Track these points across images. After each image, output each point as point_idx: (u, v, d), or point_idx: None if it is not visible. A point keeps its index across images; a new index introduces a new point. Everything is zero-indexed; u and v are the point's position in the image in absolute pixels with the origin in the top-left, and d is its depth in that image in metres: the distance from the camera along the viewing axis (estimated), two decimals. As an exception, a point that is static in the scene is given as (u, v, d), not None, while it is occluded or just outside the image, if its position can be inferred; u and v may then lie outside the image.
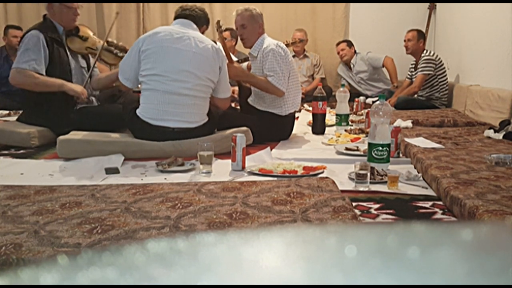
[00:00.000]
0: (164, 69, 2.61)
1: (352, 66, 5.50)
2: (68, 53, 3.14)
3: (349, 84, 5.59)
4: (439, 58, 4.62)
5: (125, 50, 3.20)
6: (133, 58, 2.69)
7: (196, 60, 2.66)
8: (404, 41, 4.83)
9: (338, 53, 5.54)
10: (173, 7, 5.71)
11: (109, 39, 3.34)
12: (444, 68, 4.63)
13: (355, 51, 5.52)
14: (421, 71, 4.58)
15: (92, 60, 3.31)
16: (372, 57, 5.45)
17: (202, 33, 2.85)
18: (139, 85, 2.78)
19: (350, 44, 5.49)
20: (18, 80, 2.97)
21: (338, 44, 5.59)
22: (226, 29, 5.13)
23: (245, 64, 3.36)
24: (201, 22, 2.83)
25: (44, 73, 2.96)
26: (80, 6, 3.16)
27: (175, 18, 2.82)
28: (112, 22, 3.58)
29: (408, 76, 4.95)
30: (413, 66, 4.88)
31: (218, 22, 3.05)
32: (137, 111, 2.67)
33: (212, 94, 2.81)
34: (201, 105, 2.72)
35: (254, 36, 3.07)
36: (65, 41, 3.14)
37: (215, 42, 4.04)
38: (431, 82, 4.62)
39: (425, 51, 4.68)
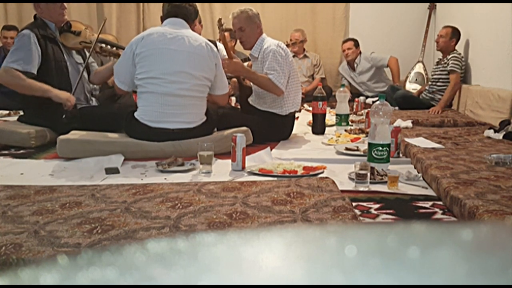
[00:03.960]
0: (161, 72, 2.59)
1: (355, 65, 5.47)
2: (63, 49, 3.12)
3: (349, 84, 5.58)
4: (465, 61, 4.47)
5: (122, 47, 3.14)
6: (127, 61, 2.66)
7: (192, 60, 2.64)
8: (437, 36, 4.64)
9: (344, 51, 5.48)
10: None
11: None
12: (464, 74, 4.47)
13: (359, 52, 5.48)
14: (453, 70, 4.36)
15: (87, 56, 3.26)
16: (376, 57, 5.40)
17: (194, 28, 2.81)
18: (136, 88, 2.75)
19: (357, 44, 5.43)
20: (5, 79, 2.96)
21: (345, 42, 5.52)
22: (226, 30, 5.13)
23: (245, 64, 3.36)
24: (192, 17, 2.78)
25: (35, 72, 2.93)
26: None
27: (165, 16, 2.75)
28: (100, 28, 3.27)
29: (432, 73, 4.79)
30: (437, 62, 4.71)
31: (220, 20, 3.04)
32: (135, 114, 2.66)
33: (210, 92, 2.79)
34: (199, 105, 2.71)
35: (253, 37, 3.07)
36: (58, 37, 3.13)
37: (215, 42, 4.04)
38: (446, 84, 4.46)
39: (455, 51, 4.51)
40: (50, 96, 2.90)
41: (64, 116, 2.93)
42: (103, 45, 3.24)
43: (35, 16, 3.14)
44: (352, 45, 5.41)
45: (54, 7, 3.08)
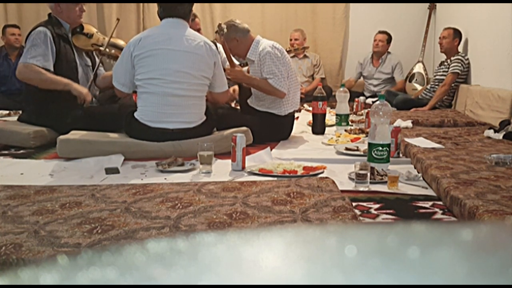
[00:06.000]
0: (160, 72, 2.59)
1: (380, 61, 5.47)
2: (74, 50, 3.15)
3: (356, 80, 5.58)
4: (468, 63, 4.47)
5: None
6: (126, 63, 2.65)
7: (190, 59, 2.64)
8: (439, 38, 4.66)
9: (375, 40, 5.46)
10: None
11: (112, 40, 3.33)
12: (466, 75, 4.47)
13: (387, 50, 5.48)
14: (453, 72, 4.41)
15: (97, 60, 3.32)
16: (398, 67, 5.43)
17: (192, 24, 2.80)
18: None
19: (389, 40, 5.45)
20: (25, 75, 2.97)
21: (380, 32, 5.47)
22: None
23: (245, 68, 3.37)
24: (188, 11, 2.73)
25: (52, 69, 2.97)
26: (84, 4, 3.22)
27: (162, 17, 2.70)
28: (113, 29, 3.45)
29: (434, 74, 4.82)
30: (441, 63, 4.72)
31: (220, 25, 3.04)
32: (135, 114, 2.66)
33: (209, 89, 2.79)
34: (198, 104, 2.71)
35: (243, 45, 3.07)
36: (71, 38, 3.16)
37: (214, 43, 4.05)
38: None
39: (459, 53, 4.52)
40: (70, 89, 2.94)
41: (78, 107, 2.98)
42: (113, 50, 3.28)
43: (49, 15, 3.17)
44: (385, 38, 5.42)
45: (74, 8, 3.12)
